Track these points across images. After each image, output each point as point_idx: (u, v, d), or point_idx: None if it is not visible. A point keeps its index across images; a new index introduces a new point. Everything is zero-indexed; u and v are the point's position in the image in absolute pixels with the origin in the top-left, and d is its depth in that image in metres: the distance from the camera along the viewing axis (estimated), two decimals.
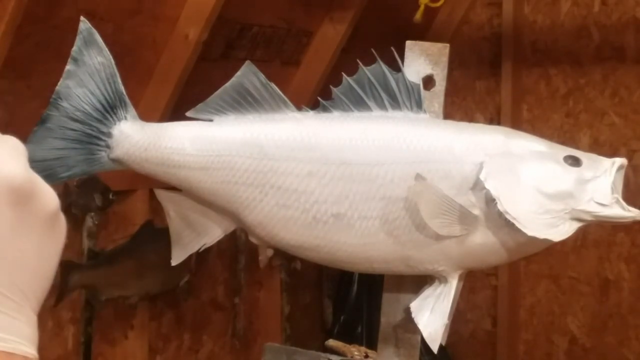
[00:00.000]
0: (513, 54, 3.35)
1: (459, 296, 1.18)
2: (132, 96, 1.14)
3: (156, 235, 2.45)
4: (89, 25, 1.11)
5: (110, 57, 1.12)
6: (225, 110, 1.15)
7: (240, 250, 3.06)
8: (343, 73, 1.17)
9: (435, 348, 1.12)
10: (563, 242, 1.13)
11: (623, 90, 3.19)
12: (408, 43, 1.26)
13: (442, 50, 1.26)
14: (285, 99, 1.16)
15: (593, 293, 3.27)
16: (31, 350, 0.56)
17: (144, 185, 2.57)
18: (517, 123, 3.29)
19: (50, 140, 1.10)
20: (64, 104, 1.11)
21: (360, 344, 1.85)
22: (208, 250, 1.27)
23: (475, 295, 3.47)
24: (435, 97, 1.26)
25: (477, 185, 1.11)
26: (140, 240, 2.58)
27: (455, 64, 3.24)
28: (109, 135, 1.12)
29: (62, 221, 0.61)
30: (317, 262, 1.20)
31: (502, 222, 1.09)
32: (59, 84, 1.11)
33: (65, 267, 2.32)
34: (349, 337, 2.42)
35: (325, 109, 1.16)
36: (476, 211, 1.11)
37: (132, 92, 1.14)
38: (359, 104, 1.15)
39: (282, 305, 3.24)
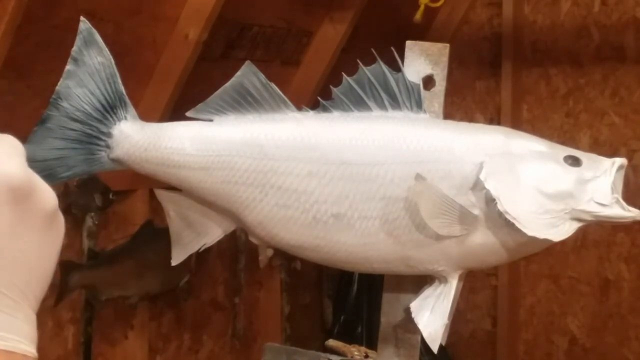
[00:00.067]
0: (513, 54, 3.35)
1: (459, 296, 1.18)
2: (132, 96, 1.14)
3: (156, 235, 2.45)
4: (89, 25, 1.11)
5: (110, 57, 1.12)
6: (225, 110, 1.15)
7: (240, 250, 3.07)
8: (343, 73, 1.17)
9: (435, 348, 1.12)
10: (563, 242, 1.13)
11: (623, 90, 3.20)
12: (408, 43, 1.26)
13: (442, 50, 1.26)
14: (285, 99, 1.16)
15: (593, 293, 3.27)
16: (30, 348, 0.56)
17: (144, 185, 2.57)
18: (517, 123, 3.29)
19: (50, 140, 1.10)
20: (64, 104, 1.11)
21: (360, 344, 1.85)
22: (208, 250, 1.27)
23: (475, 295, 3.47)
24: (435, 97, 1.26)
25: (477, 185, 1.11)
26: (140, 240, 2.58)
27: (455, 64, 3.24)
28: (109, 135, 1.12)
29: (60, 220, 0.61)
30: (317, 262, 1.20)
31: (502, 222, 1.09)
32: (59, 84, 1.11)
33: (65, 267, 2.32)
34: (349, 337, 2.42)
35: (325, 109, 1.16)
36: (476, 211, 1.11)
37: (132, 92, 1.14)
38: (359, 104, 1.15)
39: (282, 305, 3.24)
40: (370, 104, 1.15)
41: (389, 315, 1.29)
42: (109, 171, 1.17)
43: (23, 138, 0.61)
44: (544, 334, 3.38)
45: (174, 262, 1.22)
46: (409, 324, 1.22)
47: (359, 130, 1.14)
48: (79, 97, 1.11)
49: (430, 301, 1.15)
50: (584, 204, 1.11)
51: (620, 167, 1.14)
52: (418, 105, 1.15)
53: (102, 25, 2.07)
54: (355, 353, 1.63)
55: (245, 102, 1.15)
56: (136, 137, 1.13)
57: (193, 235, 1.21)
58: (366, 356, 1.62)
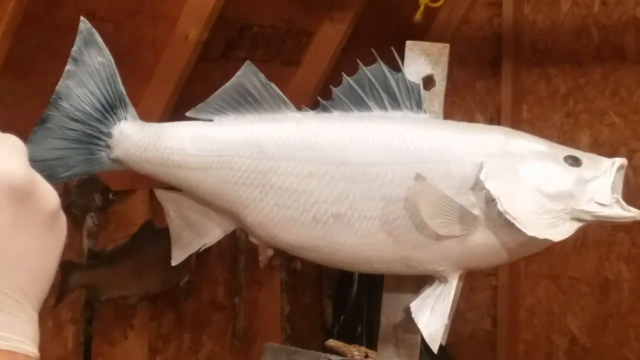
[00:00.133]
0: (513, 54, 3.35)
1: (459, 296, 1.18)
2: (132, 96, 1.14)
3: (156, 235, 2.45)
4: (89, 25, 1.11)
5: (110, 57, 1.12)
6: (225, 110, 1.15)
7: (240, 250, 3.06)
8: (343, 73, 1.17)
9: (435, 348, 1.12)
10: (563, 242, 1.13)
11: (623, 90, 3.19)
12: (408, 43, 1.26)
13: (442, 50, 1.26)
14: (285, 99, 1.16)
15: (593, 293, 3.27)
16: (32, 348, 0.56)
17: (144, 185, 2.57)
18: (517, 123, 3.29)
19: (50, 140, 1.10)
20: (64, 104, 1.11)
21: (360, 344, 1.85)
22: (208, 250, 1.27)
23: (475, 295, 3.47)
24: (435, 97, 1.26)
25: (477, 185, 1.11)
26: (140, 240, 2.58)
27: (455, 64, 3.24)
28: (109, 135, 1.12)
29: (62, 220, 0.60)
30: (317, 262, 1.20)
31: (502, 222, 1.09)
32: (59, 84, 1.11)
33: (65, 267, 2.32)
34: (349, 337, 2.42)
35: (325, 109, 1.16)
36: (476, 211, 1.11)
37: (132, 92, 1.14)
38: (359, 104, 1.15)
39: (282, 305, 3.24)
40: (370, 104, 1.15)
41: (389, 315, 1.29)
42: (109, 171, 1.17)
43: (23, 138, 0.61)
44: (544, 334, 3.38)
45: (174, 262, 1.22)
46: (409, 324, 1.22)
47: (359, 130, 1.14)
48: (79, 97, 1.11)
49: (430, 301, 1.15)
50: (584, 204, 1.11)
51: (620, 167, 1.14)
52: (418, 105, 1.15)
53: (102, 25, 2.07)
54: (355, 353, 1.63)
55: (245, 102, 1.15)
56: (136, 137, 1.13)
57: (193, 235, 1.21)
58: (366, 356, 1.62)
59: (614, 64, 3.19)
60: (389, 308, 1.29)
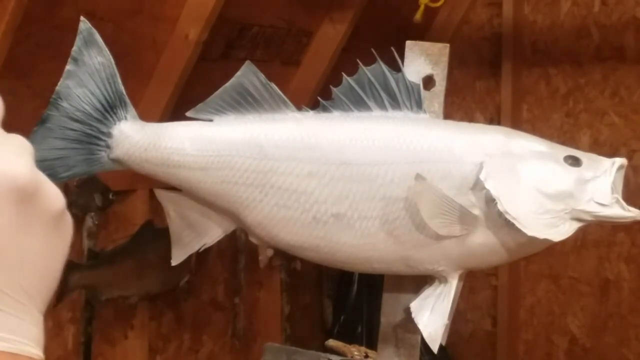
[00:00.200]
0: (513, 54, 3.35)
1: (459, 296, 1.18)
2: (132, 96, 1.14)
3: (156, 235, 2.45)
4: (89, 25, 1.11)
5: (110, 57, 1.12)
6: (225, 110, 1.15)
7: (240, 250, 3.06)
8: (343, 73, 1.17)
9: (435, 348, 1.12)
10: (563, 242, 1.13)
11: (623, 90, 3.19)
12: (408, 43, 1.26)
13: (442, 50, 1.26)
14: (285, 99, 1.16)
15: (593, 293, 3.27)
16: (37, 351, 0.56)
17: (144, 185, 2.57)
18: (517, 123, 3.29)
19: (50, 140, 1.10)
20: (64, 104, 1.11)
21: (360, 344, 1.85)
22: (208, 250, 1.27)
23: (475, 295, 3.47)
24: (435, 97, 1.25)
25: (477, 185, 1.11)
26: (140, 240, 2.58)
27: (455, 64, 3.24)
28: (109, 135, 1.12)
29: (68, 221, 0.60)
30: (317, 262, 1.20)
31: (502, 222, 1.09)
32: (59, 84, 1.11)
33: (65, 267, 2.30)
34: (349, 337, 2.42)
35: (325, 109, 1.16)
36: (476, 211, 1.11)
37: (132, 92, 1.14)
38: (359, 104, 1.15)
39: (282, 305, 3.24)
40: (370, 104, 1.15)
41: (389, 315, 1.29)
42: (109, 171, 1.17)
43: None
44: (544, 334, 3.38)
45: (174, 262, 1.22)
46: (409, 324, 1.22)
47: (359, 130, 1.14)
48: (79, 97, 1.11)
49: (430, 301, 1.15)
50: (584, 204, 1.11)
51: (620, 167, 1.14)
52: (418, 105, 1.15)
53: (102, 25, 2.07)
54: (355, 353, 1.63)
55: (245, 102, 1.15)
56: (136, 137, 1.13)
57: (193, 235, 1.21)
58: (366, 356, 1.62)
59: (614, 64, 3.19)
60: (389, 308, 1.29)
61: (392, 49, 1.19)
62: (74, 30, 1.11)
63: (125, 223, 2.66)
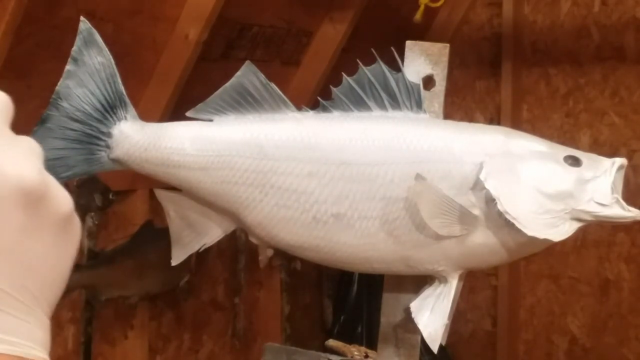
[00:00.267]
0: (513, 54, 3.35)
1: (459, 296, 1.18)
2: (132, 96, 1.14)
3: (156, 235, 2.45)
4: (89, 25, 1.11)
5: (110, 57, 1.12)
6: (225, 110, 1.15)
7: (240, 250, 3.06)
8: (343, 73, 1.17)
9: (435, 348, 1.12)
10: (563, 242, 1.13)
11: (623, 90, 3.19)
12: (408, 43, 1.26)
13: (442, 50, 1.26)
14: (285, 99, 1.16)
15: (593, 293, 3.27)
16: (42, 354, 0.55)
17: (144, 185, 2.57)
18: (517, 123, 3.29)
19: (51, 140, 1.10)
20: (64, 104, 1.11)
21: (360, 344, 1.85)
22: (208, 250, 1.27)
23: (475, 295, 3.47)
24: (435, 97, 1.25)
25: (477, 185, 1.11)
26: (140, 240, 2.58)
27: (455, 64, 3.24)
28: (109, 135, 1.12)
29: (76, 224, 0.60)
30: (317, 262, 1.20)
31: (502, 222, 1.09)
32: (59, 84, 1.11)
33: None
34: (349, 337, 2.42)
35: (325, 109, 1.16)
36: (476, 211, 1.11)
37: (132, 92, 1.14)
38: (359, 104, 1.15)
39: (282, 305, 3.24)
40: (370, 104, 1.15)
41: (389, 315, 1.29)
42: (109, 171, 1.17)
43: None
44: (544, 334, 3.38)
45: (174, 262, 1.22)
46: (409, 324, 1.22)
47: (359, 130, 1.14)
48: (79, 97, 1.11)
49: (430, 301, 1.15)
50: (584, 204, 1.11)
51: (620, 167, 1.14)
52: (418, 105, 1.15)
53: (102, 25, 2.07)
54: (355, 353, 1.63)
55: (245, 102, 1.15)
56: (136, 137, 1.13)
57: (193, 235, 1.21)
58: (366, 356, 1.62)
59: (614, 64, 3.19)
60: (389, 308, 1.29)
61: (392, 49, 1.19)
62: (74, 30, 1.11)
63: (125, 223, 2.66)
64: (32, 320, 0.55)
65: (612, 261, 3.23)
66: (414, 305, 1.15)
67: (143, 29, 2.42)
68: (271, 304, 3.24)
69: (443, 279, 1.16)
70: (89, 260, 2.50)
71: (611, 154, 1.87)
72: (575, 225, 1.11)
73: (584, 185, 1.11)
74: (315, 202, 1.13)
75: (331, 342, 1.70)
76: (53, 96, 1.11)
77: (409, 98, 1.15)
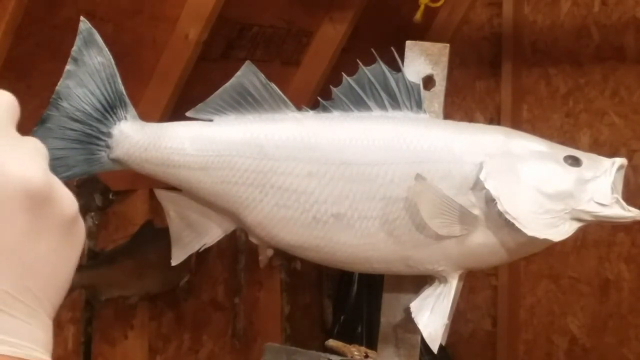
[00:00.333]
0: (513, 54, 3.35)
1: (459, 296, 1.18)
2: (132, 96, 1.14)
3: (156, 235, 2.45)
4: (89, 25, 1.11)
5: (110, 57, 1.12)
6: (225, 110, 1.15)
7: (240, 250, 3.06)
8: (343, 73, 1.17)
9: (435, 348, 1.12)
10: (563, 242, 1.13)
11: (623, 90, 3.19)
12: (408, 43, 1.26)
13: (442, 50, 1.26)
14: (285, 99, 1.16)
15: (593, 293, 3.27)
16: (44, 356, 0.55)
17: (144, 185, 2.57)
18: (517, 123, 3.29)
19: (50, 140, 1.09)
20: (64, 104, 1.10)
21: (360, 344, 1.85)
22: (208, 250, 1.27)
23: (475, 295, 3.47)
24: (435, 97, 1.25)
25: (477, 185, 1.11)
26: (140, 240, 2.58)
27: (455, 64, 3.24)
28: (109, 135, 1.12)
29: (80, 226, 0.60)
30: (317, 262, 1.20)
31: (502, 222, 1.09)
32: (59, 84, 1.11)
33: None
34: (349, 337, 2.42)
35: (325, 109, 1.16)
36: (476, 211, 1.11)
37: (132, 92, 1.14)
38: (359, 104, 1.15)
39: (282, 305, 3.24)
40: (370, 104, 1.15)
41: (389, 315, 1.29)
42: (109, 171, 1.17)
43: None
44: (544, 334, 3.38)
45: (174, 262, 1.22)
46: (409, 324, 1.22)
47: (359, 130, 1.14)
48: (79, 97, 1.11)
49: (430, 301, 1.15)
50: (584, 204, 1.11)
51: (620, 167, 1.14)
52: (418, 105, 1.15)
53: (102, 25, 2.07)
54: (355, 353, 1.63)
55: (245, 102, 1.15)
56: (136, 137, 1.13)
57: (193, 235, 1.21)
58: (366, 356, 1.62)
59: (614, 64, 3.19)
60: (389, 308, 1.29)
61: (392, 49, 1.19)
62: (74, 30, 1.11)
63: (125, 223, 2.66)
64: (34, 322, 0.55)
65: (612, 261, 3.23)
66: (414, 305, 1.15)
67: (143, 29, 2.42)
68: (271, 304, 3.24)
69: (443, 279, 1.16)
70: (89, 260, 2.50)
71: (611, 154, 1.87)
72: (575, 225, 1.11)
73: (584, 185, 1.11)
74: (315, 202, 1.13)
75: (331, 342, 1.70)
76: (53, 96, 1.11)
77: (409, 98, 1.15)
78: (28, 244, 0.55)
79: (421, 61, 1.25)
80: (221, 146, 1.14)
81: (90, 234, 2.50)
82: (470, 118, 3.44)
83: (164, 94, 2.50)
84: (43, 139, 1.05)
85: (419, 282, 1.21)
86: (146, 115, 1.21)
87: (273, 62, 2.90)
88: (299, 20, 2.90)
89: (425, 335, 1.13)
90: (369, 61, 1.15)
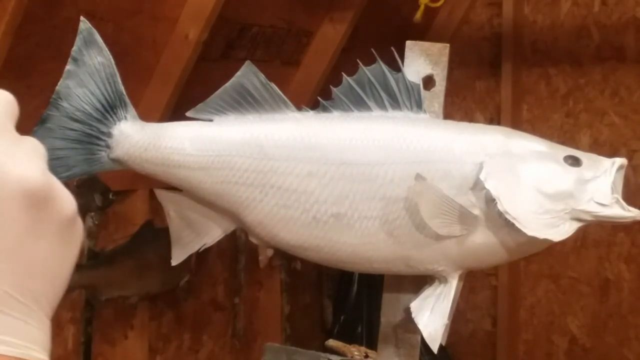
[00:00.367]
0: (513, 54, 3.35)
1: (459, 296, 1.18)
2: (132, 96, 1.14)
3: (156, 235, 2.45)
4: (89, 25, 1.11)
5: (110, 57, 1.12)
6: (225, 110, 1.15)
7: (240, 250, 3.06)
8: (343, 73, 1.16)
9: (435, 348, 1.12)
10: (563, 242, 1.13)
11: (623, 90, 3.20)
12: (408, 43, 1.26)
13: (442, 50, 1.26)
14: (285, 99, 1.16)
15: (593, 293, 3.27)
16: (42, 356, 0.55)
17: (144, 185, 2.57)
18: (517, 123, 3.29)
19: (50, 140, 1.09)
20: (64, 104, 1.10)
21: (360, 344, 1.85)
22: (208, 250, 1.27)
23: (475, 295, 3.47)
24: (435, 97, 1.25)
25: (477, 185, 1.10)
26: (140, 240, 2.58)
27: (455, 64, 3.23)
28: (109, 135, 1.12)
29: (79, 226, 0.60)
30: (317, 262, 1.20)
31: (502, 222, 1.09)
32: (59, 84, 1.11)
33: None
34: (349, 337, 2.42)
35: (325, 109, 1.16)
36: (476, 211, 1.11)
37: (132, 92, 1.14)
38: (359, 104, 1.15)
39: (282, 305, 3.24)
40: (370, 104, 1.15)
41: (389, 315, 1.29)
42: (108, 171, 1.17)
43: None
44: (544, 334, 3.38)
45: (174, 262, 1.22)
46: (409, 324, 1.22)
47: (359, 130, 1.14)
48: (79, 97, 1.11)
49: (430, 301, 1.14)
50: (584, 204, 1.11)
51: (620, 167, 1.13)
52: (418, 105, 1.15)
53: (102, 25, 2.07)
54: (355, 353, 1.63)
55: (245, 102, 1.15)
56: (136, 137, 1.13)
57: (193, 235, 1.21)
58: (366, 356, 1.62)
59: (614, 64, 3.19)
60: (389, 308, 1.29)
61: (392, 49, 1.19)
62: (74, 30, 1.11)
63: (125, 223, 2.66)
64: (32, 322, 0.55)
65: (612, 261, 3.23)
66: (414, 305, 1.15)
67: (143, 29, 2.42)
68: (271, 304, 3.24)
69: (443, 279, 1.16)
70: (89, 260, 2.50)
71: (611, 154, 1.87)
72: (575, 225, 1.11)
73: (584, 185, 1.11)
74: (316, 202, 1.13)
75: (331, 342, 1.70)
76: (53, 96, 1.11)
77: (409, 98, 1.15)
78: (27, 244, 0.55)
79: (421, 61, 1.25)
80: (221, 146, 1.14)
81: (90, 234, 2.51)
82: (470, 118, 3.45)
83: (164, 94, 2.50)
84: (43, 139, 1.05)
85: (419, 282, 1.21)
86: (146, 115, 1.21)
87: (273, 62, 2.90)
88: (299, 20, 2.90)
89: (425, 335, 1.13)
90: (369, 61, 1.15)
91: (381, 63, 1.15)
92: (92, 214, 2.47)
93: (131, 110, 1.14)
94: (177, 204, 1.21)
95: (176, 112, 2.30)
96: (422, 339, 1.18)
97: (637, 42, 3.14)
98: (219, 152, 1.14)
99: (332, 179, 1.12)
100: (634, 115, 3.18)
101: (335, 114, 1.16)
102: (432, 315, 1.13)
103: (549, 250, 1.44)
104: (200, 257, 2.71)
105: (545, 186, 1.11)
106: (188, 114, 1.17)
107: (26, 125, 1.08)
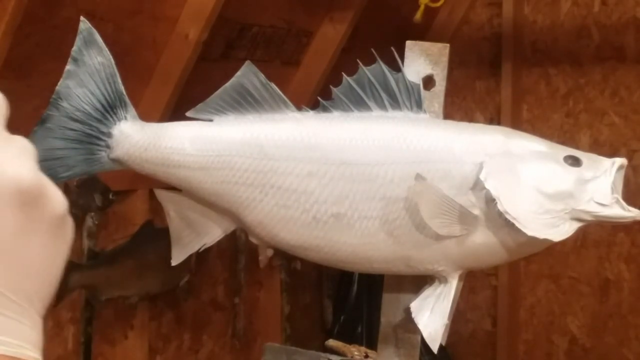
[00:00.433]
0: (513, 54, 3.35)
1: (459, 296, 1.18)
2: (132, 96, 1.14)
3: (156, 235, 2.45)
4: (89, 25, 1.11)
5: (110, 57, 1.12)
6: (225, 110, 1.15)
7: (240, 250, 3.07)
8: (343, 73, 1.16)
9: (435, 348, 1.12)
10: (563, 242, 1.13)
11: (623, 90, 3.20)
12: (408, 43, 1.26)
13: (442, 50, 1.26)
14: (285, 99, 1.16)
15: (593, 293, 3.27)
16: (35, 354, 0.55)
17: (144, 185, 2.57)
18: (517, 123, 3.29)
19: (50, 140, 1.09)
20: (64, 104, 1.10)
21: (360, 344, 1.85)
22: (208, 250, 1.27)
23: (475, 295, 3.47)
24: (435, 97, 1.25)
25: (477, 185, 1.10)
26: (140, 240, 2.58)
27: (455, 64, 3.24)
28: (109, 135, 1.12)
29: (69, 225, 0.60)
30: (317, 262, 1.20)
31: (502, 222, 1.09)
32: (59, 84, 1.11)
33: (65, 267, 2.31)
34: (349, 337, 2.42)
35: (325, 109, 1.16)
36: (476, 211, 1.11)
37: (132, 92, 1.13)
38: (359, 104, 1.15)
39: (282, 305, 3.24)
40: (370, 104, 1.15)
41: (389, 315, 1.29)
42: (109, 171, 1.17)
43: None
44: (544, 334, 3.38)
45: (174, 262, 1.22)
46: (409, 324, 1.22)
47: (359, 130, 1.13)
48: (79, 97, 1.11)
49: (430, 301, 1.14)
50: (584, 204, 1.11)
51: (620, 167, 1.13)
52: (418, 105, 1.15)
53: (102, 25, 2.07)
54: (355, 353, 1.63)
55: (245, 102, 1.15)
56: (136, 137, 1.13)
57: (193, 235, 1.21)
58: (366, 356, 1.62)
59: (614, 64, 3.19)
60: (389, 308, 1.29)
61: (392, 49, 1.19)
62: (74, 30, 1.11)
63: (125, 223, 2.66)
64: (25, 320, 0.55)
65: (612, 261, 3.23)
66: (414, 305, 1.15)
67: (143, 29, 2.42)
68: (271, 304, 3.24)
69: (443, 279, 1.16)
70: (89, 260, 2.50)
71: (611, 154, 1.87)
72: (575, 225, 1.11)
73: (584, 185, 1.11)
74: (315, 202, 1.13)
75: (331, 342, 1.70)
76: (53, 96, 1.11)
77: (409, 98, 1.15)
78: (19, 243, 0.55)
79: (421, 61, 1.25)
80: (221, 146, 1.14)
81: (90, 234, 2.51)
82: (470, 118, 3.45)
83: (164, 94, 2.50)
84: (43, 139, 1.05)
85: (419, 282, 1.21)
86: (146, 115, 1.21)
87: (273, 62, 2.90)
88: (299, 20, 2.90)
89: (425, 335, 1.13)
90: (369, 61, 1.15)
91: (381, 63, 1.15)
92: (92, 214, 2.48)
93: (131, 110, 1.14)
94: (177, 204, 1.21)
95: (176, 112, 2.30)
96: (422, 339, 1.18)
97: (637, 42, 3.14)
98: (219, 152, 1.14)
99: (332, 179, 1.12)
100: (634, 115, 3.18)
101: (335, 114, 1.16)
102: (432, 315, 1.13)
103: (549, 250, 1.44)
104: (200, 257, 2.71)
105: (545, 186, 1.11)
106: (188, 114, 1.16)
107: (26, 125, 1.08)
